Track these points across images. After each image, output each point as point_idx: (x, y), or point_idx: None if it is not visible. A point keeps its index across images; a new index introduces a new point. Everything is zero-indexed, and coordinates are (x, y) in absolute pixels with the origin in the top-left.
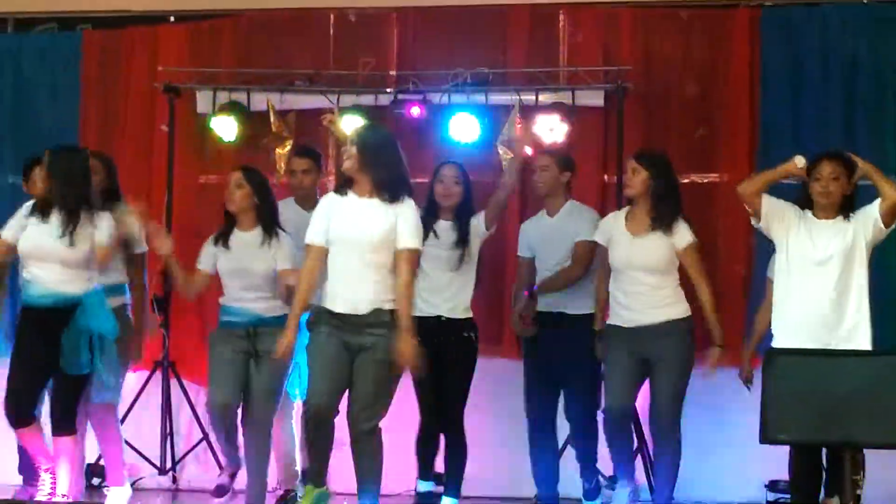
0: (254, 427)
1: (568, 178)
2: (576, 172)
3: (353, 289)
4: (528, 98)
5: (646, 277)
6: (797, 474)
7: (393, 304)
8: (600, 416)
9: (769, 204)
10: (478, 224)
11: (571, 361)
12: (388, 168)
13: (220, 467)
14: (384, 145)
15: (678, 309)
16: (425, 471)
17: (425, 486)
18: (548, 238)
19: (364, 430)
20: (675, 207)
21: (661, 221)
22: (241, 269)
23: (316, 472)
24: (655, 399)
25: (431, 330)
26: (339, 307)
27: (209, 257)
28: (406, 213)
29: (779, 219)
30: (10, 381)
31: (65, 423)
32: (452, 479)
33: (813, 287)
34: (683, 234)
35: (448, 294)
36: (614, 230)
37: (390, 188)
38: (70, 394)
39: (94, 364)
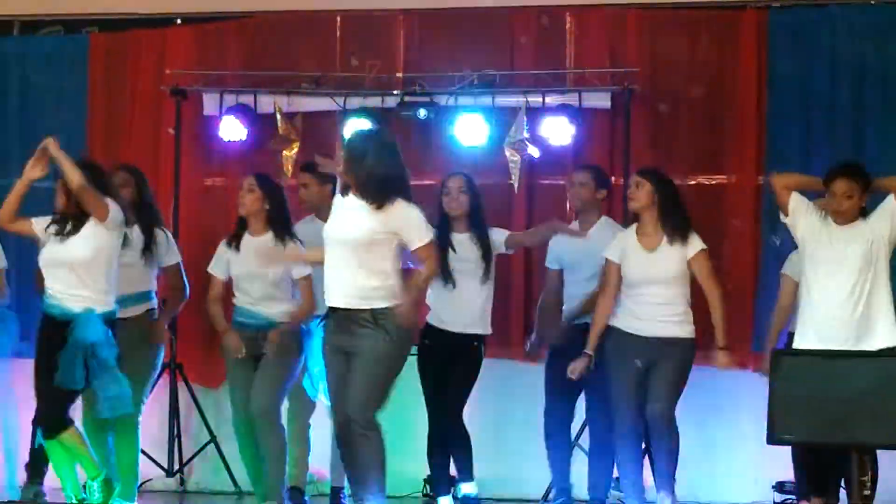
0: (260, 421)
1: (604, 195)
2: (612, 190)
3: (343, 285)
4: (535, 100)
5: (660, 290)
6: (802, 473)
7: (385, 303)
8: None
9: (797, 202)
10: (496, 240)
11: (592, 371)
12: (371, 172)
13: (230, 473)
14: (366, 150)
15: (685, 329)
16: (443, 481)
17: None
18: (581, 253)
19: (359, 424)
20: (684, 218)
21: (675, 234)
22: (253, 273)
23: (354, 486)
24: (654, 397)
25: (445, 340)
26: (331, 300)
27: (222, 264)
28: (404, 218)
29: (804, 218)
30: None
31: (53, 428)
32: (463, 465)
33: (834, 289)
34: (695, 243)
35: (472, 309)
36: (627, 246)
37: (372, 191)
38: (59, 404)
39: (90, 381)
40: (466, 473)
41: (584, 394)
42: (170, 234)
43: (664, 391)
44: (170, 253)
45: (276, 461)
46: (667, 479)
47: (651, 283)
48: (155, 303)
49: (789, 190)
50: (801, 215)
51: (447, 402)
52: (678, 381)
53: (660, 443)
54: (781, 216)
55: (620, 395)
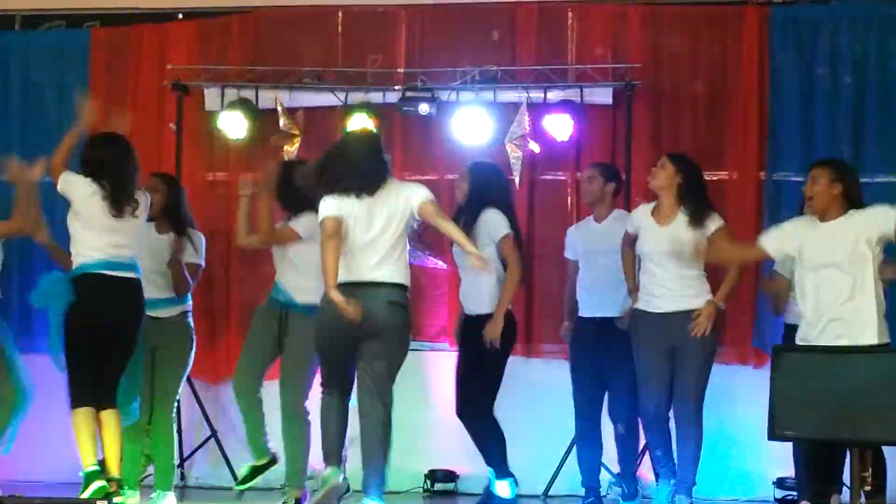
0: (285, 409)
1: (612, 188)
2: (621, 182)
3: None
4: (537, 95)
5: (672, 264)
6: (803, 469)
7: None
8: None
9: (771, 244)
10: (495, 228)
11: (614, 363)
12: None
13: (231, 468)
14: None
15: (702, 300)
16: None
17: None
18: (597, 243)
19: None
20: (703, 203)
21: (695, 216)
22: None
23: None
24: (680, 385)
25: (464, 325)
26: None
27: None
28: None
29: (788, 246)
30: None
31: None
32: (493, 462)
33: (825, 289)
34: (715, 221)
35: (466, 290)
36: (643, 220)
37: None
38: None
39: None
40: (499, 470)
41: (608, 394)
42: (196, 236)
43: (692, 389)
44: (189, 254)
45: (296, 452)
46: (688, 482)
47: (662, 256)
48: (190, 305)
49: (752, 247)
50: (784, 250)
51: (467, 397)
52: (705, 369)
53: (687, 434)
54: (775, 265)
55: (648, 387)
